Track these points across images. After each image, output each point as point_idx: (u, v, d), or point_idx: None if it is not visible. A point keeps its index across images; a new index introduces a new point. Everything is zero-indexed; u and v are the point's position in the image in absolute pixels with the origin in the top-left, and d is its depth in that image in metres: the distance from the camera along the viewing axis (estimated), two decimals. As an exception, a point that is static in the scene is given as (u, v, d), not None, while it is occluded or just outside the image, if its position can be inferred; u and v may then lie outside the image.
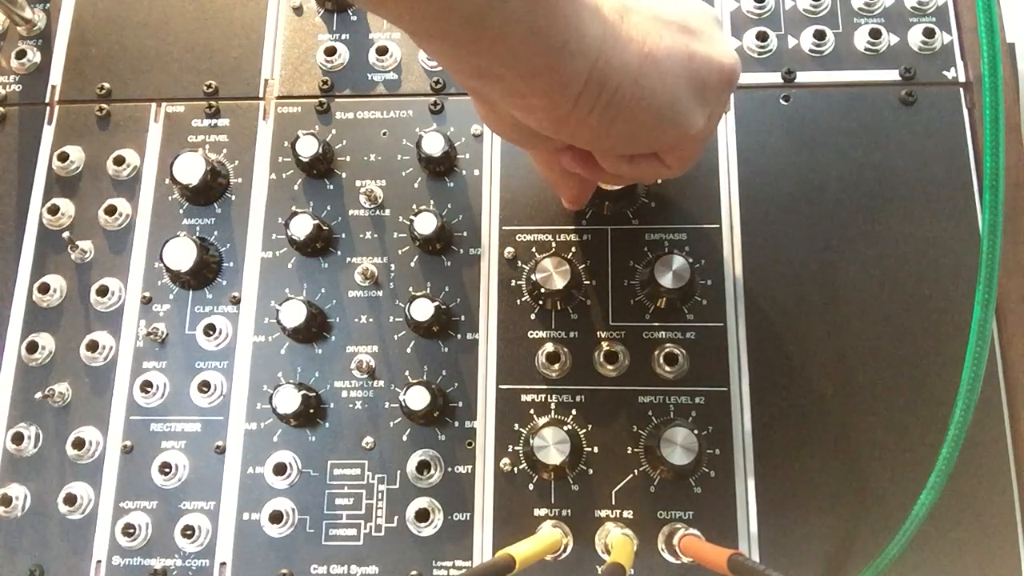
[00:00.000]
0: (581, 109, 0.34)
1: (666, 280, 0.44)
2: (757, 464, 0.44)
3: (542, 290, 0.45)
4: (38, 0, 0.55)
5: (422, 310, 0.45)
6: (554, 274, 0.45)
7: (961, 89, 0.49)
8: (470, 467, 0.45)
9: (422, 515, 0.44)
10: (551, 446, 0.43)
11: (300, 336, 0.47)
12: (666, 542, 0.43)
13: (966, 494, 0.43)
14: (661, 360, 0.45)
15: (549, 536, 0.42)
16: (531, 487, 0.45)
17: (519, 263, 0.48)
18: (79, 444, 0.46)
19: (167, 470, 0.46)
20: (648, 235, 0.48)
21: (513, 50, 0.32)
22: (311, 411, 0.46)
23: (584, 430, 0.45)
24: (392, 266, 0.49)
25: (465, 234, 0.49)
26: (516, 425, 0.46)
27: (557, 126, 0.36)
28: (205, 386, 0.47)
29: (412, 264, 0.49)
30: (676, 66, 0.35)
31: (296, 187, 0.50)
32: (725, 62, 0.37)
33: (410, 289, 0.48)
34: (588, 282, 0.47)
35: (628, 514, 0.44)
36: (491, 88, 0.36)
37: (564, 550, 0.43)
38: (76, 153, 0.52)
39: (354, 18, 0.54)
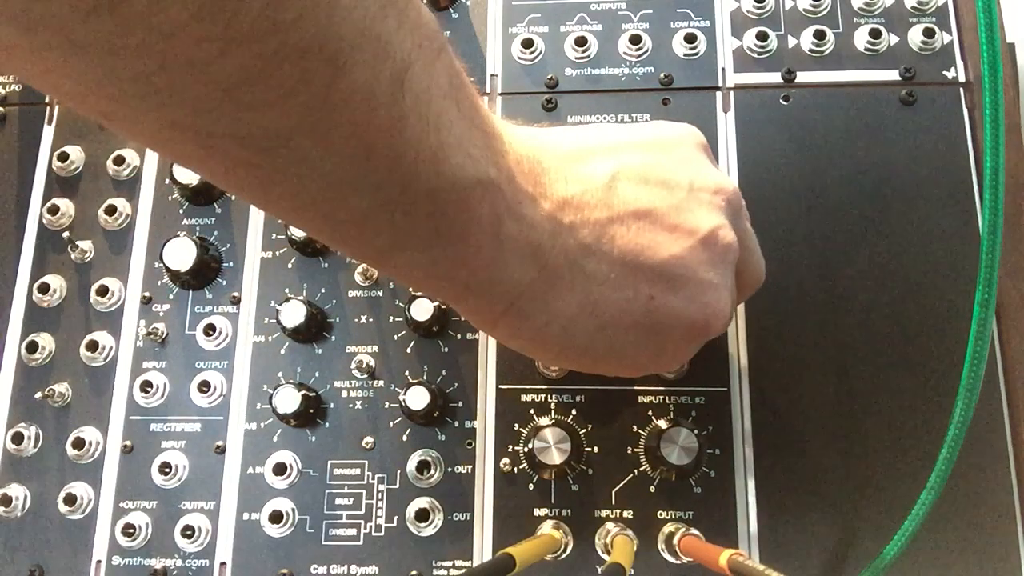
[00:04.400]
0: (502, 334, 0.32)
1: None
2: (757, 464, 0.44)
3: (542, 290, 0.45)
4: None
5: (422, 310, 0.45)
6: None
7: (961, 89, 0.49)
8: (470, 467, 0.45)
9: (422, 515, 0.44)
10: (552, 446, 0.43)
11: (300, 336, 0.47)
12: (666, 542, 0.43)
13: (966, 494, 0.43)
14: (661, 360, 0.45)
15: (549, 536, 0.42)
16: (531, 487, 0.45)
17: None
18: (79, 444, 0.46)
19: (167, 470, 0.46)
20: (648, 235, 0.48)
21: (419, 286, 0.31)
22: (311, 411, 0.46)
23: (584, 430, 0.45)
24: (392, 266, 0.48)
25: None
26: (516, 425, 0.46)
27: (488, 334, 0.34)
28: (205, 386, 0.47)
29: (412, 264, 0.48)
30: (625, 319, 0.31)
31: (296, 187, 0.50)
32: (694, 319, 0.32)
33: (410, 289, 0.48)
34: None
35: (628, 514, 0.44)
36: None
37: (564, 550, 0.43)
38: (76, 153, 0.52)
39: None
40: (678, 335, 0.32)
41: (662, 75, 0.51)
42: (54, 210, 0.50)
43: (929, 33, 0.50)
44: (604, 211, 0.31)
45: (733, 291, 0.34)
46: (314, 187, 0.25)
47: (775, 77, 0.51)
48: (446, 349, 0.47)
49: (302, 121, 0.23)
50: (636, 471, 0.44)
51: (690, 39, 0.51)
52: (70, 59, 0.19)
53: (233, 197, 0.50)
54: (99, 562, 0.45)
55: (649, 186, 0.32)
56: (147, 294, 0.49)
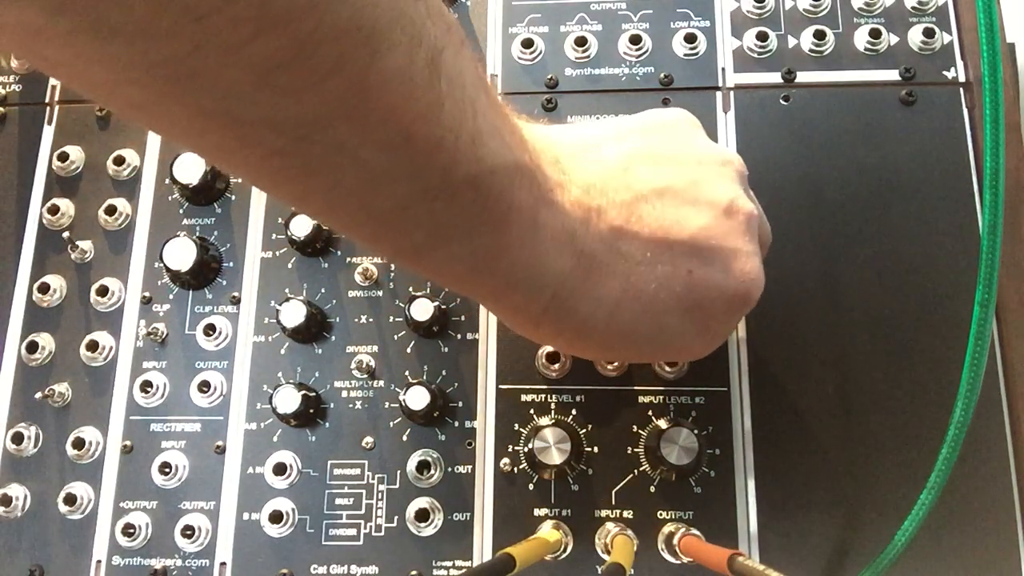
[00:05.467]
0: (546, 331, 0.32)
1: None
2: (757, 464, 0.44)
3: (542, 290, 0.45)
4: (38, 0, 0.55)
5: (422, 310, 0.45)
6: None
7: (961, 89, 0.49)
8: (470, 467, 0.45)
9: (422, 515, 0.44)
10: (552, 446, 0.43)
11: (300, 336, 0.47)
12: (666, 542, 0.43)
13: (966, 494, 0.43)
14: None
15: (549, 536, 0.42)
16: (531, 487, 0.45)
17: (519, 263, 0.48)
18: (79, 444, 0.46)
19: (167, 470, 0.46)
20: (648, 235, 0.48)
21: (456, 284, 0.30)
22: (311, 411, 0.46)
23: (584, 430, 0.45)
24: (392, 266, 0.48)
25: (465, 234, 0.49)
26: (516, 425, 0.46)
27: (523, 333, 0.33)
28: (205, 386, 0.47)
29: (412, 264, 0.48)
30: (667, 297, 0.31)
31: (296, 187, 0.50)
32: (738, 293, 0.32)
33: (410, 289, 0.48)
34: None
35: (628, 514, 0.44)
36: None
37: (564, 550, 0.43)
38: (76, 153, 0.52)
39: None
40: (720, 308, 0.32)
41: (662, 75, 0.51)
42: (54, 210, 0.50)
43: (929, 33, 0.50)
44: (627, 192, 0.31)
45: (758, 254, 0.34)
46: (352, 177, 0.24)
47: (775, 77, 0.51)
48: (446, 349, 0.47)
49: (339, 106, 0.22)
50: (636, 471, 0.44)
51: (690, 39, 0.51)
52: (100, 43, 0.19)
53: (233, 197, 0.50)
54: (99, 562, 0.45)
55: (661, 165, 0.32)
56: (147, 294, 0.49)
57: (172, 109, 0.22)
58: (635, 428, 0.45)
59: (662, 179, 0.31)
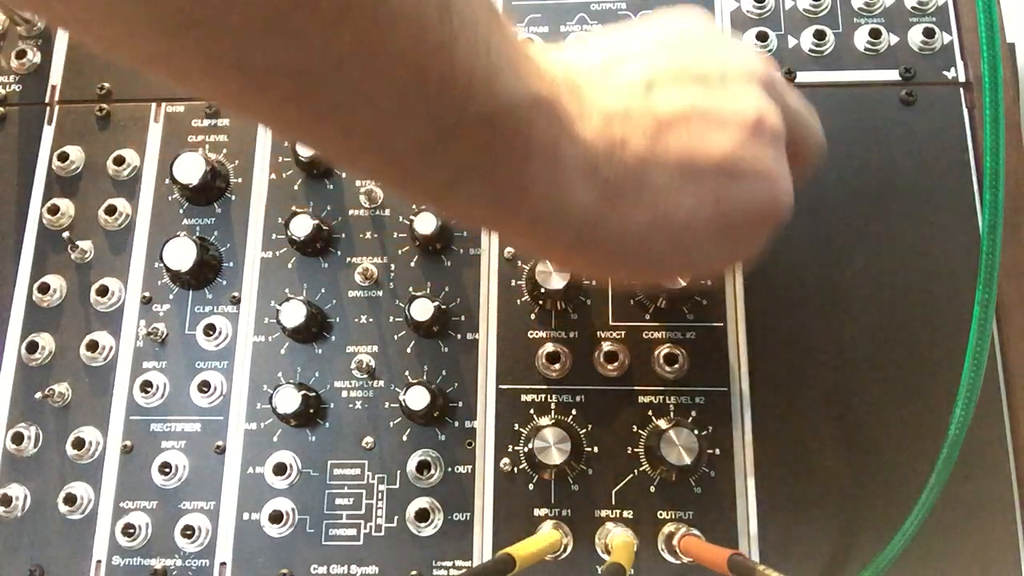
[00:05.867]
0: (579, 263, 0.32)
1: (666, 280, 0.44)
2: (757, 464, 0.44)
3: (542, 290, 0.45)
4: (38, 0, 0.55)
5: (422, 310, 0.45)
6: (554, 274, 0.45)
7: (961, 89, 0.49)
8: (470, 467, 0.45)
9: (422, 515, 0.44)
10: (552, 446, 0.43)
11: (300, 336, 0.47)
12: (666, 542, 0.43)
13: (966, 494, 0.43)
14: (661, 360, 0.45)
15: (549, 536, 0.42)
16: (531, 487, 0.45)
17: (519, 263, 0.48)
18: (79, 444, 0.46)
19: (167, 470, 0.46)
20: (648, 235, 0.48)
21: (483, 222, 0.30)
22: (311, 411, 0.46)
23: (584, 430, 0.45)
24: (392, 266, 0.49)
25: (465, 234, 0.49)
26: (516, 425, 0.46)
27: (551, 262, 0.32)
28: (205, 386, 0.47)
29: (412, 264, 0.49)
30: (697, 223, 0.30)
31: (296, 187, 0.50)
32: (767, 213, 0.31)
33: (410, 289, 0.48)
34: (588, 282, 0.47)
35: (628, 514, 0.44)
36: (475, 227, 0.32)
37: (564, 550, 0.43)
38: (76, 153, 0.52)
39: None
40: (751, 229, 0.32)
41: (662, 75, 0.51)
42: (54, 210, 0.50)
43: (929, 33, 0.50)
44: (650, 119, 0.30)
45: (788, 170, 0.33)
46: (367, 121, 0.24)
47: (775, 77, 0.50)
48: (446, 349, 0.47)
49: (351, 48, 0.22)
50: (636, 471, 0.44)
51: (690, 39, 0.51)
52: None
53: (233, 197, 0.50)
54: (99, 562, 0.45)
55: (684, 85, 0.30)
56: (147, 294, 0.49)
57: (184, 60, 0.22)
58: (635, 428, 0.45)
59: (686, 101, 0.30)
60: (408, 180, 0.28)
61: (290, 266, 0.49)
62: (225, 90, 0.23)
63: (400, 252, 0.49)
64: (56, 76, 0.54)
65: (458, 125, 0.25)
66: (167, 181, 0.50)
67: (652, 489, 0.44)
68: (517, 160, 0.27)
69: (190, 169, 0.48)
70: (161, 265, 0.48)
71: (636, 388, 0.46)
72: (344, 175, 0.50)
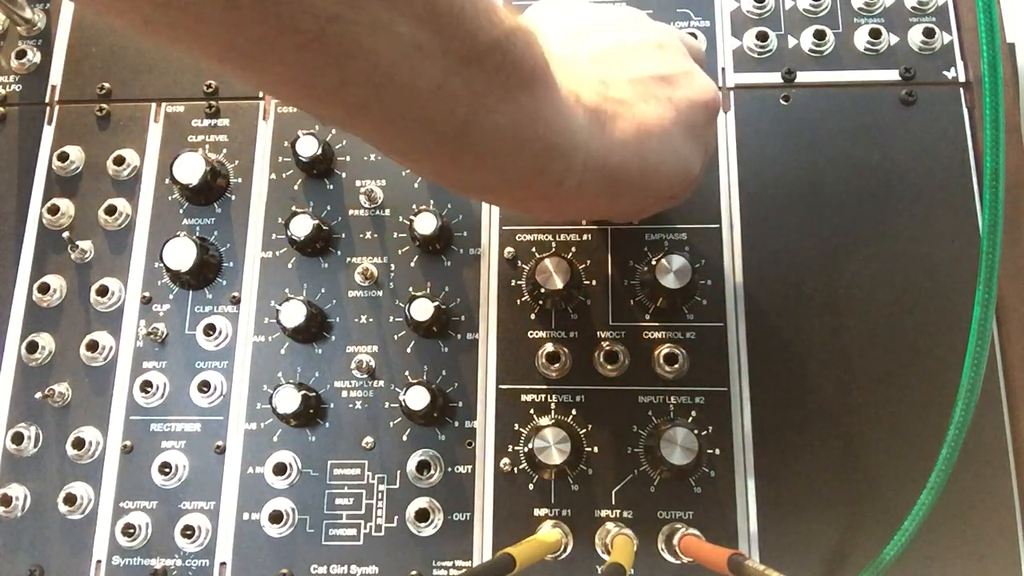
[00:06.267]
0: (585, 194, 0.34)
1: (667, 280, 0.44)
2: (757, 464, 0.44)
3: (542, 290, 0.45)
4: (38, 0, 0.55)
5: (422, 310, 0.45)
6: (554, 274, 0.45)
7: (961, 89, 0.49)
8: (470, 467, 0.45)
9: (422, 515, 0.44)
10: (552, 446, 0.43)
11: (300, 336, 0.47)
12: (666, 542, 0.43)
13: (966, 494, 0.43)
14: (661, 360, 0.45)
15: (549, 536, 0.42)
16: (531, 487, 0.45)
17: (519, 263, 0.48)
18: (79, 444, 0.46)
19: (167, 470, 0.46)
20: (648, 235, 0.48)
21: (500, 163, 0.31)
22: (311, 411, 0.46)
23: (584, 430, 0.45)
24: (392, 266, 0.49)
25: (465, 234, 0.49)
26: (516, 425, 0.46)
27: (560, 214, 0.37)
28: (205, 386, 0.47)
29: (412, 264, 0.49)
30: (667, 123, 0.35)
31: (296, 187, 0.50)
32: (707, 98, 0.37)
33: (410, 289, 0.48)
34: (588, 282, 0.47)
35: (628, 514, 0.44)
36: (482, 197, 0.35)
37: (564, 550, 0.43)
38: (76, 153, 0.52)
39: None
40: (703, 119, 0.37)
41: (662, 75, 0.51)
42: (54, 210, 0.50)
43: (929, 33, 0.50)
44: (587, 52, 0.35)
45: (699, 68, 0.39)
46: (388, 57, 0.25)
47: (775, 77, 0.51)
48: (446, 349, 0.47)
49: None
50: (636, 471, 0.44)
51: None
52: None
53: (233, 197, 0.50)
54: (99, 562, 0.45)
55: (603, 30, 0.37)
56: (147, 294, 0.49)
57: (204, 24, 0.23)
58: (635, 428, 0.45)
59: (608, 40, 0.36)
60: (431, 120, 0.29)
61: (290, 266, 0.49)
62: (248, 36, 0.24)
63: (400, 252, 0.49)
64: (56, 76, 0.54)
65: (471, 53, 0.27)
66: (167, 181, 0.50)
67: (652, 489, 0.44)
68: (527, 83, 0.29)
69: (190, 169, 0.48)
70: (161, 265, 0.48)
71: (636, 388, 0.46)
72: (344, 175, 0.50)
